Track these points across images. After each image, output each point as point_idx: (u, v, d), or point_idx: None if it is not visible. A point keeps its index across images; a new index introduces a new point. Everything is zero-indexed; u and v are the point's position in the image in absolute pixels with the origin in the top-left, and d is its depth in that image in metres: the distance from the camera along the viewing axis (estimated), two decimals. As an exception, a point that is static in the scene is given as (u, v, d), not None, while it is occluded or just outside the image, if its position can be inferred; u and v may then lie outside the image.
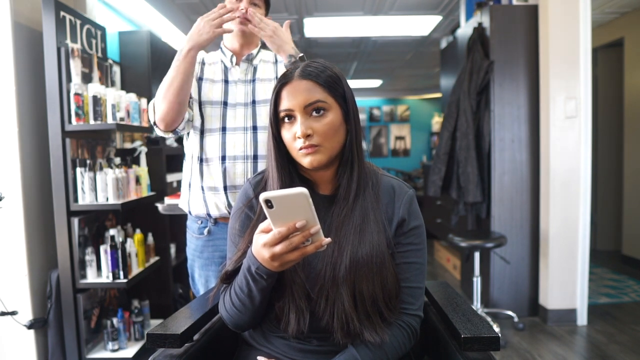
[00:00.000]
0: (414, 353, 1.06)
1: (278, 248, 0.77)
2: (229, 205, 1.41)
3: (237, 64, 1.50)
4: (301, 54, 1.44)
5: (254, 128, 1.43)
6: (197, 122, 1.47)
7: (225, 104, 1.46)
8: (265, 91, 1.46)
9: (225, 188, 1.41)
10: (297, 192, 0.72)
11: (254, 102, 1.46)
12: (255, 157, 1.42)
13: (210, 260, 1.48)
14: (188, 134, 1.52)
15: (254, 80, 1.48)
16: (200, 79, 1.48)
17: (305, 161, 0.91)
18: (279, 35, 1.41)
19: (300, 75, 0.92)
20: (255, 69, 1.51)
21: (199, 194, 1.46)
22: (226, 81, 1.48)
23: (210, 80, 1.48)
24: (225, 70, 1.50)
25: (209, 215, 1.45)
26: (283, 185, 0.95)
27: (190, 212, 1.52)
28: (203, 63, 1.52)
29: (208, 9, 2.65)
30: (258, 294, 0.87)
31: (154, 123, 1.42)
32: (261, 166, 1.41)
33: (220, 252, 1.46)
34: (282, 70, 1.49)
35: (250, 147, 1.42)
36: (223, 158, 1.43)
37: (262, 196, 0.73)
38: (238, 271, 0.93)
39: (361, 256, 0.89)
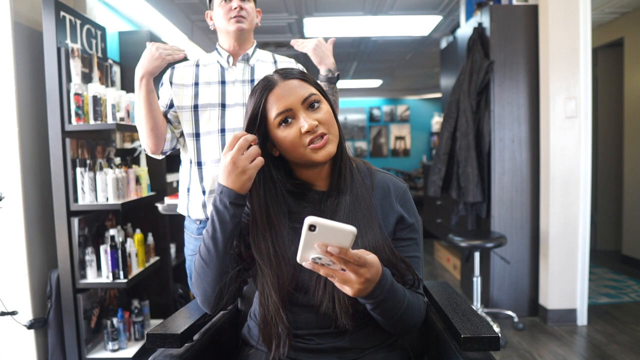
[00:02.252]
0: (414, 353, 1.05)
1: (234, 151, 0.86)
2: None
3: (234, 64, 1.50)
4: (338, 72, 1.48)
5: None
6: (190, 128, 1.47)
7: (223, 105, 1.46)
8: None
9: None
10: (348, 230, 0.69)
11: None
12: None
13: None
14: (184, 142, 1.52)
15: (252, 81, 1.48)
16: (196, 84, 1.48)
17: (320, 155, 0.90)
18: (321, 47, 1.49)
19: (283, 77, 0.92)
20: (252, 69, 1.50)
21: (198, 199, 1.46)
22: (223, 82, 1.48)
23: (205, 83, 1.47)
24: (222, 71, 1.50)
25: (207, 219, 1.45)
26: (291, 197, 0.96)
27: (189, 216, 1.52)
28: (197, 65, 1.51)
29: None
30: (220, 229, 0.89)
31: (144, 149, 1.48)
32: None
33: None
34: None
35: None
36: None
37: (309, 220, 0.69)
38: None
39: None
